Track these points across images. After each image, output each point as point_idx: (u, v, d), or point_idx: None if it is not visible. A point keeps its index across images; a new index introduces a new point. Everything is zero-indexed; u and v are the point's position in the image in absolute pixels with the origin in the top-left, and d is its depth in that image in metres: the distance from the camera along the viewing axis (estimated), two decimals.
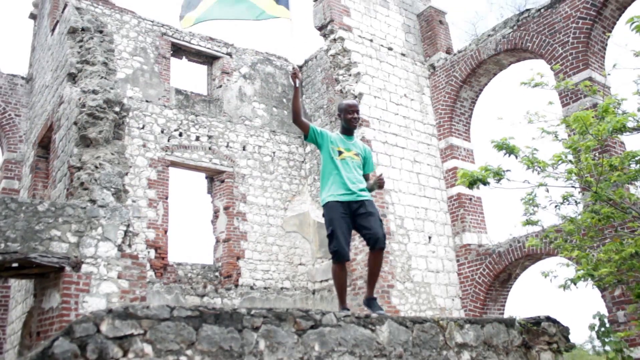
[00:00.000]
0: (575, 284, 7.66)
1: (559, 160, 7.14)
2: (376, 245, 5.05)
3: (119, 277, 8.51)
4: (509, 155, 7.23)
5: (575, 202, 7.50)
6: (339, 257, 5.05)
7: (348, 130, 5.49)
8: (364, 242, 5.29)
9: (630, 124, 6.64)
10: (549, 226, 8.82)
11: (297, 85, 5.18)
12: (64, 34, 11.73)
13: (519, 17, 13.53)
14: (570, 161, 7.20)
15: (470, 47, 14.48)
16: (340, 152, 5.30)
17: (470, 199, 14.16)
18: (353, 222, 5.17)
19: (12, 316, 12.18)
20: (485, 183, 7.09)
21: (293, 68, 5.39)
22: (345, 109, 5.47)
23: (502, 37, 13.74)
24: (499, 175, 7.04)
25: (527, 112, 7.50)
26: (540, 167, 7.14)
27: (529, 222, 7.84)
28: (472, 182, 7.16)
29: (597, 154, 8.29)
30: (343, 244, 5.03)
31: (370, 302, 5.18)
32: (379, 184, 5.42)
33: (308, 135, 5.29)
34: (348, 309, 5.03)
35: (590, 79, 11.67)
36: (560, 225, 8.20)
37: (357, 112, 5.49)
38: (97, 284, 8.29)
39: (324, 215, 5.29)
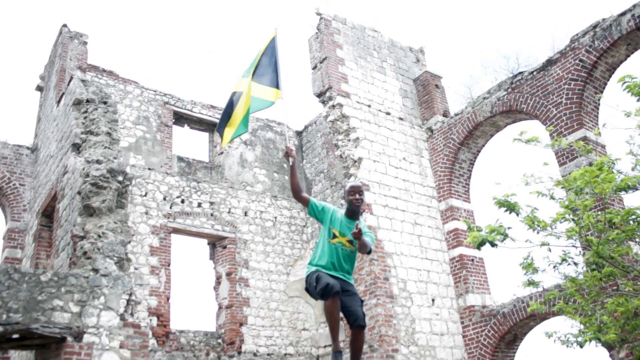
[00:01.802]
0: (581, 346, 7.63)
1: (560, 219, 7.20)
2: (356, 322, 5.02)
3: (121, 347, 8.46)
4: (510, 213, 7.29)
5: (574, 263, 7.52)
6: (331, 289, 4.86)
7: (352, 212, 5.27)
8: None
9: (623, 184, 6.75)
10: (551, 286, 8.82)
11: (291, 163, 5.21)
12: (69, 105, 12.03)
13: (512, 80, 13.87)
14: (572, 219, 7.26)
15: (467, 109, 14.76)
16: (334, 235, 5.17)
17: (473, 260, 14.14)
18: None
19: None
20: (493, 245, 7.11)
21: (286, 147, 5.39)
22: (348, 190, 5.30)
23: (497, 99, 14.03)
24: (503, 235, 7.07)
25: (524, 175, 7.61)
26: (540, 227, 7.20)
27: (530, 284, 7.85)
28: (481, 244, 7.18)
29: (596, 212, 8.35)
30: (333, 282, 4.92)
31: None
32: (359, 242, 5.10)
33: (309, 209, 5.30)
34: (340, 351, 5.06)
35: (585, 138, 11.86)
36: (562, 285, 8.20)
37: (360, 193, 5.27)
38: (99, 354, 8.23)
39: (307, 290, 5.23)
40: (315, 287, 5.02)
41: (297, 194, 5.27)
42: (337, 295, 4.90)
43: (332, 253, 5.12)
